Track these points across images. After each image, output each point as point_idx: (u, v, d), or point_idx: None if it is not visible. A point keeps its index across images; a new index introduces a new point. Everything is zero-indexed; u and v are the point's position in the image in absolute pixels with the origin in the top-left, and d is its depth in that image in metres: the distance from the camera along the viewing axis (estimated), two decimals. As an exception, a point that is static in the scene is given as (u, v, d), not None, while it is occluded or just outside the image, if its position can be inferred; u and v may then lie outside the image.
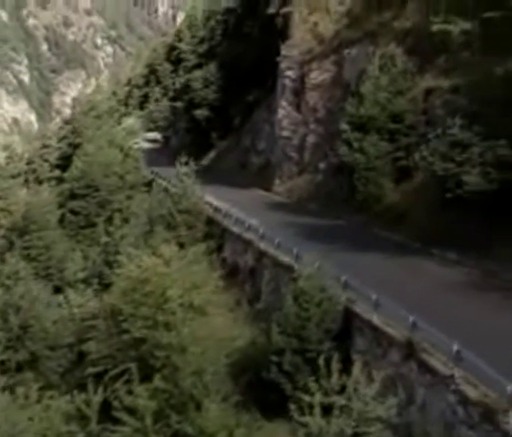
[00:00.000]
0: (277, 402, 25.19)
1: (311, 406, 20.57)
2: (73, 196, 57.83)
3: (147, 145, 77.03)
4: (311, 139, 50.90)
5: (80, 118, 76.94)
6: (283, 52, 54.12)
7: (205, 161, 76.73)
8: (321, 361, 21.71)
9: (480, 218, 29.53)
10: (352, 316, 26.38)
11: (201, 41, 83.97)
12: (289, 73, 53.29)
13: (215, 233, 46.19)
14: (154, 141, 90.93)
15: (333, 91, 49.85)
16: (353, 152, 39.88)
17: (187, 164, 47.96)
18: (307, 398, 20.81)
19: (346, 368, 25.15)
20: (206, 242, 44.33)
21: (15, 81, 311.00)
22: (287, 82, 53.57)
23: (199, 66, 76.52)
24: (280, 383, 25.11)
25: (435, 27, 35.26)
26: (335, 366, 23.13)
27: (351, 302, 26.65)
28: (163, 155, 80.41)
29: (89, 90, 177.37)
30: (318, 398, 20.44)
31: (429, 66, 40.39)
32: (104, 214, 56.45)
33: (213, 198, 54.38)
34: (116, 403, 26.81)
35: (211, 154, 75.73)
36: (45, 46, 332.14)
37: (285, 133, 53.42)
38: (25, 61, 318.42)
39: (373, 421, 20.36)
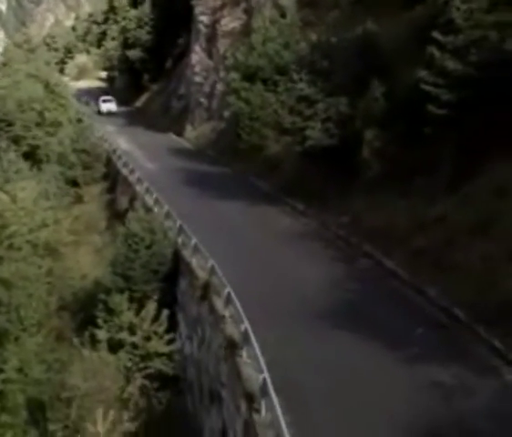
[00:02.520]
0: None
1: (98, 341, 22.49)
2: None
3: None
4: (220, 87, 52.21)
5: (12, 50, 77.26)
6: (198, -5, 55.20)
7: (138, 103, 78.01)
8: (116, 300, 23.52)
9: (323, 172, 31.29)
10: (180, 259, 28.25)
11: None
12: (202, 18, 54.41)
13: (111, 174, 47.88)
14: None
15: (243, 39, 51.03)
16: (240, 101, 41.42)
17: (87, 104, 49.23)
18: (98, 332, 22.72)
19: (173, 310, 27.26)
20: (101, 183, 46.07)
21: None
22: (201, 27, 54.73)
23: (134, 4, 77.11)
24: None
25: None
26: (152, 306, 25.18)
27: (181, 246, 28.51)
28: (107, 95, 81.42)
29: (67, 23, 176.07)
30: (104, 333, 22.30)
31: (320, 21, 41.81)
32: (19, 150, 57.74)
33: (124, 141, 56.03)
34: None
35: (144, 96, 76.92)
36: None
37: (197, 79, 54.74)
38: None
39: (156, 355, 22.31)
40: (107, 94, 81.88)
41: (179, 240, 29.05)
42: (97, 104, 73.57)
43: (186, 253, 27.70)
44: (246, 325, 18.79)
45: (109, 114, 72.37)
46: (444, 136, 25.51)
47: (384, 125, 28.16)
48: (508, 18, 25.16)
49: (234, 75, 42.44)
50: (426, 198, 25.09)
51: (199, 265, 26.02)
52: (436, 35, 26.02)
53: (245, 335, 18.74)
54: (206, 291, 23.84)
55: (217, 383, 21.32)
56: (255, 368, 17.85)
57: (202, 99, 54.13)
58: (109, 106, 73.84)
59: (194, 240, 26.84)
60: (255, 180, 39.09)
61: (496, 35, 25.23)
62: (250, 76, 41.78)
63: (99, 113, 71.79)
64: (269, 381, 15.95)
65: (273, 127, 40.62)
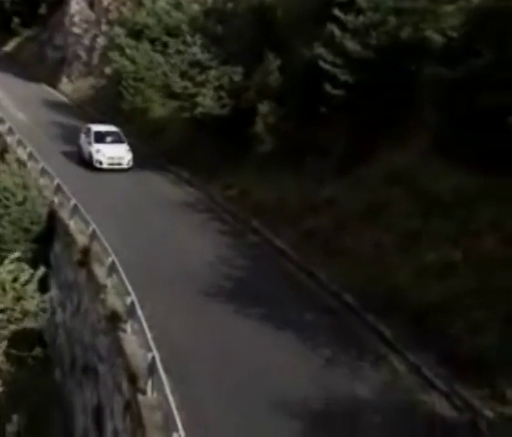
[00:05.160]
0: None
1: None
2: None
3: None
4: (101, 41, 50.45)
5: None
6: None
7: (7, 48, 74.25)
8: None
9: (213, 142, 30.85)
10: (56, 220, 27.08)
11: None
12: (84, -35, 52.38)
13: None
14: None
15: (128, -7, 49.57)
16: (125, 59, 40.14)
17: None
18: None
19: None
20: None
21: None
22: (83, -25, 52.69)
23: None
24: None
25: None
26: (19, 266, 23.87)
27: (58, 207, 27.33)
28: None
29: None
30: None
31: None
32: None
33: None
34: None
35: (14, 41, 73.24)
36: None
37: (77, 30, 52.73)
38: None
39: (23, 318, 21.26)
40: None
41: (56, 200, 27.82)
42: None
43: (63, 214, 26.55)
44: (133, 297, 18.13)
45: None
46: (339, 117, 25.64)
47: (280, 100, 28.02)
48: (407, 5, 25.59)
49: (119, 30, 41.11)
50: (318, 179, 25.19)
51: (79, 229, 25.01)
52: (337, 12, 26.07)
53: (131, 308, 18.08)
54: (85, 257, 22.92)
55: (93, 357, 20.54)
56: (140, 344, 17.30)
57: (81, 52, 52.19)
58: None
59: (73, 201, 25.75)
60: (138, 144, 37.94)
61: (395, 20, 25.63)
62: (136, 34, 40.58)
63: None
64: (157, 359, 15.43)
65: (160, 91, 39.64)
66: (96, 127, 34.90)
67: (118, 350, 17.87)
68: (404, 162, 23.20)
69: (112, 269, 20.59)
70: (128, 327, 18.19)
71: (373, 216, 22.18)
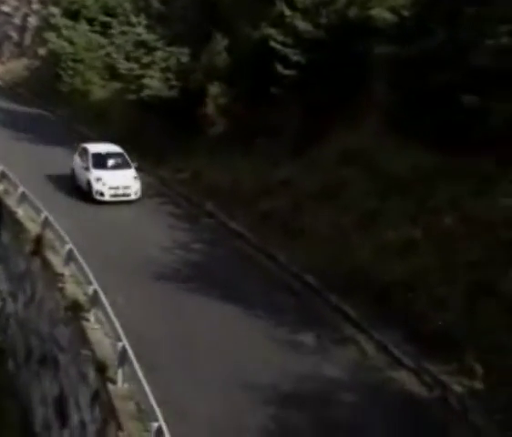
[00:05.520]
0: None
1: None
2: None
3: None
4: (33, 21, 49.36)
5: None
6: None
7: None
8: None
9: (161, 124, 30.54)
10: (2, 209, 26.45)
11: None
12: None
13: None
14: None
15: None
16: (62, 40, 39.36)
17: None
18: None
19: None
20: None
21: None
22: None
23: None
24: None
25: None
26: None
27: (3, 194, 26.72)
28: None
29: None
30: None
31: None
32: None
33: None
34: None
35: None
36: None
37: (6, 8, 51.40)
38: None
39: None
40: None
41: (1, 188, 27.18)
42: None
43: (10, 202, 25.95)
44: (96, 286, 17.90)
45: None
46: (291, 97, 25.71)
47: (229, 81, 27.93)
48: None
49: (54, 10, 40.24)
50: (271, 161, 25.26)
51: (28, 216, 24.50)
52: (286, -9, 26.08)
53: (94, 297, 17.85)
54: (38, 246, 22.46)
55: (53, 347, 20.18)
56: (105, 332, 17.14)
57: (12, 32, 50.92)
58: None
59: (21, 189, 25.18)
60: (81, 127, 37.29)
61: (344, -1, 25.84)
62: (73, 14, 39.82)
63: None
64: (129, 348, 15.30)
65: (101, 72, 39.04)
66: (94, 148, 28.42)
67: (82, 339, 17.63)
68: (358, 141, 23.45)
69: (70, 258, 20.26)
70: (92, 316, 17.96)
71: (331, 196, 22.38)
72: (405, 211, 20.12)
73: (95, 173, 26.84)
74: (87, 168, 27.22)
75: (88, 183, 26.88)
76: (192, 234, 23.87)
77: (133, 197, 26.68)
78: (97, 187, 26.61)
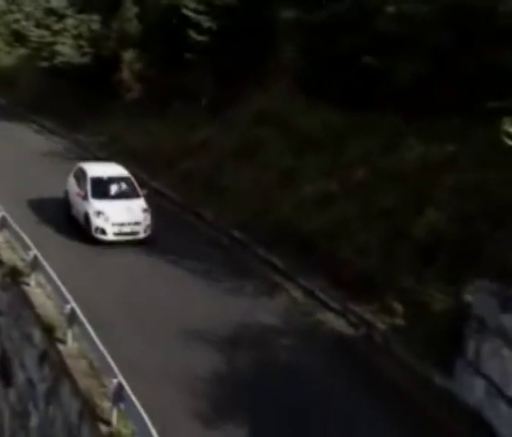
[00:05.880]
0: None
1: None
2: None
3: None
4: None
5: None
6: None
7: None
8: None
9: (75, 91, 30.19)
10: None
11: None
12: None
13: None
14: None
15: None
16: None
17: None
18: None
19: None
20: None
21: None
22: None
23: None
24: None
25: None
26: None
27: None
28: None
29: None
30: None
31: None
32: None
33: None
34: None
35: None
36: None
37: None
38: None
39: None
40: None
41: None
42: None
43: None
44: (35, 251, 17.86)
45: None
46: (205, 62, 26.00)
47: (143, 47, 27.88)
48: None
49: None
50: (189, 123, 25.53)
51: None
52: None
53: (34, 262, 17.81)
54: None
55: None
56: (47, 295, 17.20)
57: None
58: None
59: None
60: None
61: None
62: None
63: None
64: (77, 309, 15.44)
65: (8, 39, 37.93)
66: (93, 170, 22.12)
67: (24, 302, 17.58)
68: (271, 103, 24.02)
69: (3, 225, 20.05)
70: (32, 280, 17.94)
71: (249, 155, 22.91)
72: (321, 167, 20.86)
73: (95, 204, 20.81)
74: (84, 197, 21.16)
75: (86, 217, 20.78)
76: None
77: (142, 235, 20.90)
78: (97, 222, 20.58)
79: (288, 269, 18.75)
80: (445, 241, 16.38)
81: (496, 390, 13.13)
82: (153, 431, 11.42)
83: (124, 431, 12.69)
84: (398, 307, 16.31)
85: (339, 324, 16.80)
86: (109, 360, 13.58)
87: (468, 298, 14.65)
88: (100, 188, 21.28)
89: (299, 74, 23.89)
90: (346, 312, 16.97)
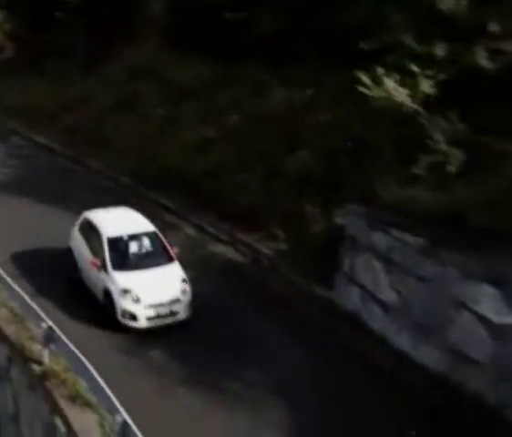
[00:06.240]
0: None
1: None
2: None
3: None
4: None
5: None
6: None
7: None
8: None
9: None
10: None
11: None
12: None
13: None
14: None
15: None
16: None
17: None
18: None
19: None
20: None
21: None
22: None
23: None
24: None
25: None
26: None
27: None
28: None
29: None
30: None
31: None
32: None
33: None
34: None
35: None
36: None
37: None
38: None
39: None
40: None
41: None
42: None
43: None
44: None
45: None
46: (76, 20, 26.33)
47: (12, 8, 27.70)
48: None
49: None
50: (65, 80, 25.87)
51: None
52: None
53: None
54: None
55: None
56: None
57: None
58: None
59: None
60: None
61: None
62: None
63: None
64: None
65: None
66: (108, 226, 16.11)
67: None
68: (144, 58, 24.79)
69: None
70: None
71: (128, 108, 23.71)
72: (197, 115, 22.09)
73: (118, 279, 15.09)
74: (102, 268, 15.30)
75: (108, 295, 15.10)
76: (3, 151, 24.11)
77: (183, 315, 15.27)
78: (124, 305, 14.87)
79: (179, 209, 20.08)
80: (314, 175, 18.29)
81: (369, 296, 15.44)
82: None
83: (56, 367, 13.44)
84: (280, 233, 18.11)
85: (229, 253, 18.37)
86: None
87: (340, 220, 16.80)
88: (121, 253, 15.65)
89: (167, 29, 24.87)
90: (235, 242, 18.63)
